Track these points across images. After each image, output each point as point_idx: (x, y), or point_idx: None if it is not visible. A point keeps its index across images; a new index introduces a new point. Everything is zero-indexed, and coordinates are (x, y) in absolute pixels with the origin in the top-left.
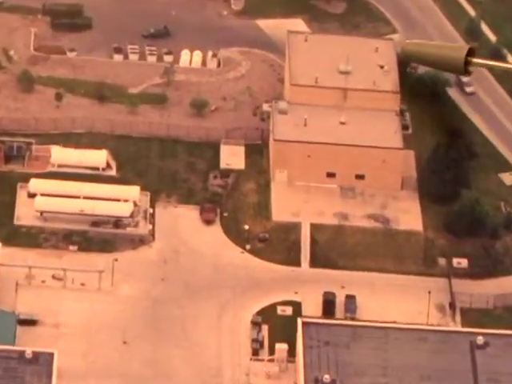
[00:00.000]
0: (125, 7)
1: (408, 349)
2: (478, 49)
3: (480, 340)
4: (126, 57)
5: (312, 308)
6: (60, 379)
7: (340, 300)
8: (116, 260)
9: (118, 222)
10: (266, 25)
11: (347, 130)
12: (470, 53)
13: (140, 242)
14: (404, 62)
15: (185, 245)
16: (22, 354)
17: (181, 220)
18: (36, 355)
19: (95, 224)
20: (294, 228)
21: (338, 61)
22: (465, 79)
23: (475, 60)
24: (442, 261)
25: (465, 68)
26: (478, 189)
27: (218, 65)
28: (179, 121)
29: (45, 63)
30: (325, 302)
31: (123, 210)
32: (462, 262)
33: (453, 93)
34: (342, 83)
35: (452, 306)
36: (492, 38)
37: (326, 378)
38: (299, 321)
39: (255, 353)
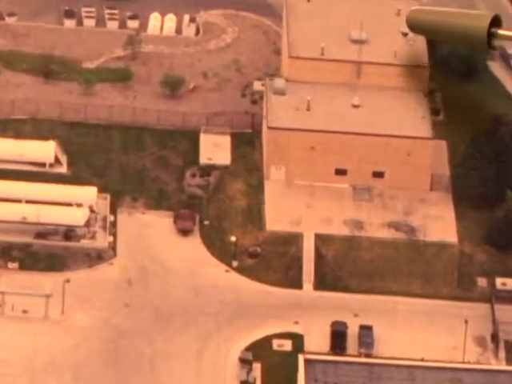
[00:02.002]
0: None
1: None
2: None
3: None
4: (79, 22)
5: (317, 342)
6: None
7: (353, 332)
8: (67, 281)
9: (69, 233)
10: None
11: (362, 115)
12: (495, 22)
13: (98, 257)
14: None
15: (155, 261)
16: None
17: (150, 230)
18: None
19: (40, 235)
20: (294, 240)
21: (350, 27)
22: (511, 50)
23: (502, 31)
24: (482, 281)
25: (488, 42)
26: None
27: (197, 32)
28: (147, 103)
29: None
30: (333, 334)
31: (76, 217)
32: (507, 283)
33: (496, 68)
34: (354, 55)
35: (495, 338)
36: None
37: None
38: (300, 358)
39: None
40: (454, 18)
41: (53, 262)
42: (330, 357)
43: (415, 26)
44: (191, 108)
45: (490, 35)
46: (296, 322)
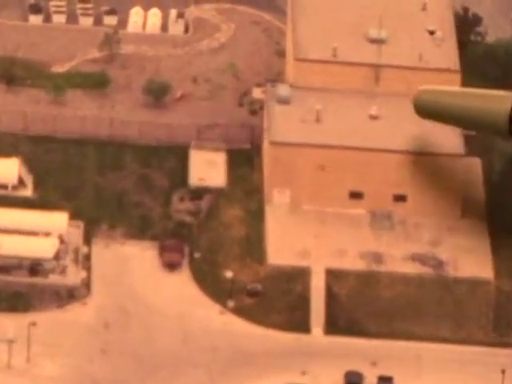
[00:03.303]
0: None
1: None
2: None
3: None
4: (47, 18)
5: None
6: None
7: None
8: (33, 324)
9: (35, 267)
10: None
11: (380, 128)
12: None
13: (69, 296)
14: (466, 26)
15: (136, 301)
16: None
17: (130, 264)
18: None
19: (2, 270)
20: (301, 276)
21: (367, 23)
22: None
23: None
24: None
25: (510, 128)
26: None
27: (186, 30)
28: (127, 114)
29: None
30: None
31: (43, 248)
32: None
33: None
34: (372, 57)
35: None
36: None
37: None
38: None
39: None
40: (470, 100)
41: (16, 302)
42: None
43: (423, 110)
44: (179, 120)
45: None
46: (303, 373)
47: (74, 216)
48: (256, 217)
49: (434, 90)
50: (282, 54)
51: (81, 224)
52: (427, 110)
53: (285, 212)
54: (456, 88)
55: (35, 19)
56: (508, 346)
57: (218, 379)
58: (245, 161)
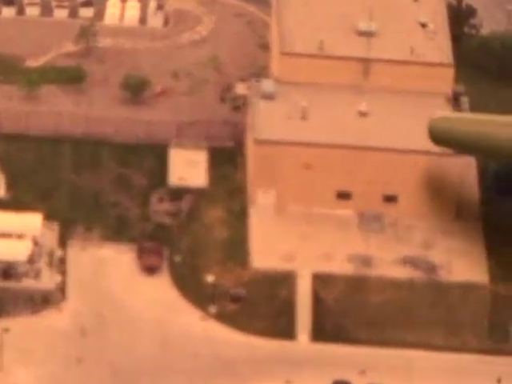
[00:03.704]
0: None
1: None
2: None
3: None
4: (20, 11)
5: None
6: None
7: None
8: (6, 330)
9: (8, 271)
10: None
11: (370, 125)
12: None
13: (43, 301)
14: (460, 18)
15: (114, 306)
16: None
17: (108, 267)
18: None
19: None
20: (286, 280)
21: (356, 15)
22: None
23: None
24: None
25: None
26: None
27: (166, 22)
28: (104, 111)
29: None
30: None
31: (16, 251)
32: None
33: None
34: (361, 51)
35: None
36: None
37: None
38: None
39: None
40: (489, 128)
41: None
42: None
43: (439, 138)
44: (158, 116)
45: None
46: (288, 382)
47: (48, 217)
48: (239, 218)
49: (450, 118)
50: (266, 47)
51: (56, 225)
52: (443, 139)
53: (269, 213)
54: (472, 116)
55: (8, 12)
56: (504, 353)
57: None
58: (227, 159)
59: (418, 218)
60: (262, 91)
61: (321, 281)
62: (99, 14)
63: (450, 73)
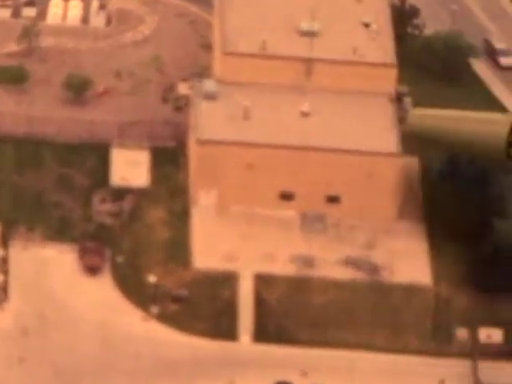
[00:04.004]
0: None
1: None
2: None
3: None
4: None
5: None
6: None
7: None
8: None
9: None
10: None
11: (313, 126)
12: None
13: None
14: (403, 18)
15: (56, 306)
16: None
17: (50, 267)
18: None
19: None
20: (228, 280)
21: (299, 15)
22: (499, 45)
23: None
24: (462, 332)
25: (508, 150)
26: None
27: (108, 22)
28: (46, 110)
29: None
30: None
31: None
32: (493, 335)
33: (480, 66)
34: (304, 51)
35: None
36: None
37: None
38: None
39: None
40: (464, 123)
41: None
42: None
43: (418, 132)
44: (100, 116)
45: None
46: (230, 383)
47: None
48: (181, 218)
49: (428, 114)
50: (208, 47)
51: None
52: (422, 134)
53: (211, 213)
54: (452, 112)
55: None
56: (447, 355)
57: None
58: (169, 160)
59: (361, 219)
60: (204, 91)
61: (263, 281)
62: (42, 14)
63: (392, 73)
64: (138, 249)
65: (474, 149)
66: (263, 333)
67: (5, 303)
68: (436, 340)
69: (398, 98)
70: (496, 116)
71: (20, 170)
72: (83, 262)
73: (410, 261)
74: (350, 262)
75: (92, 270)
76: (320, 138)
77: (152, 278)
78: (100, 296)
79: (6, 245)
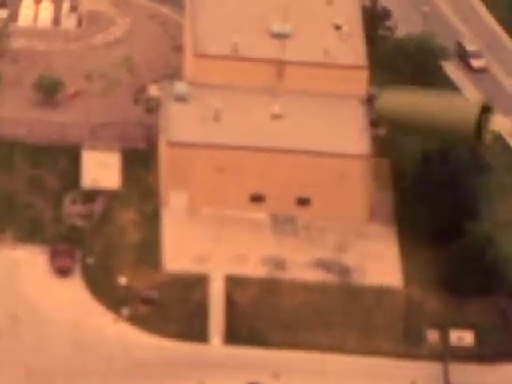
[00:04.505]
0: None
1: None
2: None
3: None
4: None
5: None
6: None
7: None
8: None
9: None
10: None
11: (283, 128)
12: (485, 111)
13: None
14: (375, 20)
15: (27, 308)
16: None
17: (20, 269)
18: None
19: None
20: (199, 282)
21: (270, 17)
22: (471, 47)
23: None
24: (433, 335)
25: (477, 134)
26: (493, 220)
27: (79, 23)
28: (17, 112)
29: None
30: None
31: None
32: (464, 337)
33: (451, 68)
34: (275, 53)
35: None
36: None
37: None
38: None
39: None
40: (432, 106)
41: None
42: None
43: (384, 115)
44: (71, 118)
45: (480, 127)
46: None
47: None
48: (152, 220)
49: (396, 94)
50: (179, 49)
51: None
52: (389, 115)
53: (182, 215)
54: (420, 94)
55: None
56: (418, 357)
57: None
58: (140, 161)
59: (332, 221)
60: (175, 93)
61: (234, 283)
62: (13, 16)
63: (364, 75)
64: (109, 251)
65: (442, 131)
66: (234, 335)
67: None
68: (407, 342)
69: (370, 100)
70: (463, 100)
71: None
72: (54, 263)
73: (380, 263)
74: (320, 264)
75: (63, 272)
76: (291, 140)
77: (123, 280)
78: (71, 298)
79: None
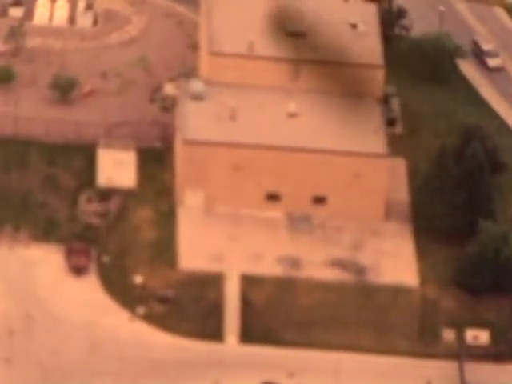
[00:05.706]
0: None
1: None
2: None
3: None
4: None
5: None
6: None
7: None
8: None
9: None
10: None
11: (299, 126)
12: None
13: None
14: (391, 19)
15: (42, 307)
16: None
17: (36, 267)
18: None
19: None
20: (214, 281)
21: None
22: (487, 46)
23: None
24: (448, 334)
25: None
26: (508, 219)
27: (95, 22)
28: (33, 110)
29: None
30: None
31: None
32: (480, 336)
33: (467, 67)
34: (291, 52)
35: None
36: None
37: None
38: None
39: None
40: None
41: None
42: None
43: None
44: (87, 116)
45: None
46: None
47: None
48: (167, 219)
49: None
50: (195, 47)
51: None
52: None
53: (198, 214)
54: None
55: None
56: (434, 356)
57: None
58: (156, 160)
59: (347, 220)
60: (190, 92)
61: (249, 282)
62: (29, 14)
63: (380, 74)
64: (125, 249)
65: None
66: (250, 334)
67: None
68: (423, 341)
69: (386, 99)
70: None
71: (6, 169)
72: (69, 262)
73: (396, 262)
74: (336, 263)
75: (78, 271)
76: (307, 139)
77: (138, 279)
78: (86, 297)
79: None
